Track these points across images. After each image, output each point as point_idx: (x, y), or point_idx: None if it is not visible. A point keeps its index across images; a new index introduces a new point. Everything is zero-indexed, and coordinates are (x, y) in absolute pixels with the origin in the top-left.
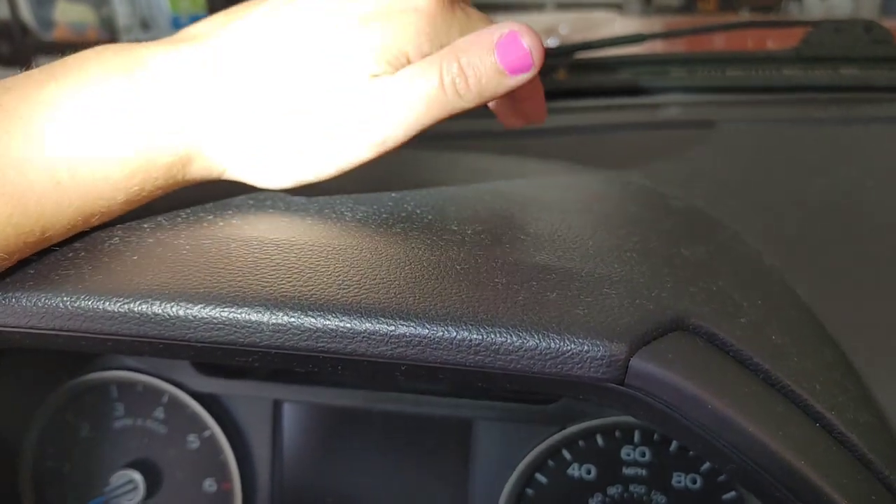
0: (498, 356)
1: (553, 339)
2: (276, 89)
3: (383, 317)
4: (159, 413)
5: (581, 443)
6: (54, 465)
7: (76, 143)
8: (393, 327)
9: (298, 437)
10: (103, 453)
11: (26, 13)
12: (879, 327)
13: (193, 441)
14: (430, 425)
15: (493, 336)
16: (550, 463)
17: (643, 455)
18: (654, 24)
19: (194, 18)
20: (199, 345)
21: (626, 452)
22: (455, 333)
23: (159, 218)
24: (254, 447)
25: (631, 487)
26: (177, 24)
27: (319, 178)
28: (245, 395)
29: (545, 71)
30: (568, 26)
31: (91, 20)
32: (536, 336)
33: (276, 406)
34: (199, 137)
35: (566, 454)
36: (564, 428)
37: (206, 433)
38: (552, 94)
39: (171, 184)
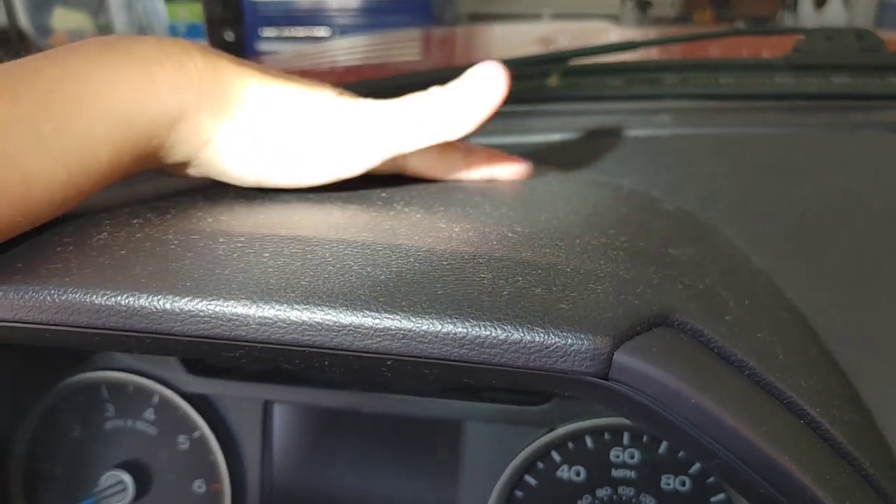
0: (482, 349)
1: (537, 333)
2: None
3: (368, 310)
4: (149, 414)
5: (570, 444)
6: (44, 465)
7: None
8: (378, 321)
9: (288, 438)
10: (93, 454)
11: (24, 20)
12: (867, 329)
13: (183, 442)
14: (419, 427)
15: (477, 329)
16: (540, 465)
17: (632, 457)
18: (650, 34)
19: (191, 27)
20: (186, 339)
21: (615, 454)
22: (440, 327)
23: (148, 214)
24: (243, 448)
25: (620, 489)
26: (174, 33)
27: (310, 183)
28: (235, 396)
29: (538, 76)
30: (565, 37)
31: (88, 27)
32: (521, 329)
33: (266, 407)
34: (192, 99)
35: (555, 456)
36: (554, 430)
37: (196, 434)
38: (544, 100)
39: (154, 144)
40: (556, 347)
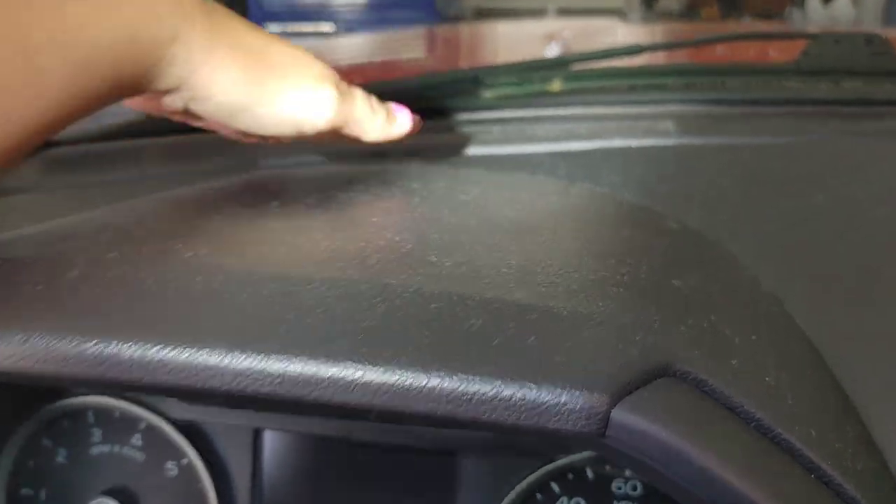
0: (470, 406)
1: (530, 390)
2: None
3: (350, 361)
4: (137, 440)
5: (570, 475)
6: (29, 491)
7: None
8: (360, 373)
9: (279, 465)
10: (79, 480)
11: None
12: (881, 357)
13: (172, 469)
14: (413, 456)
15: (465, 385)
16: (539, 496)
17: (634, 489)
18: (656, 30)
19: None
20: (157, 387)
21: (616, 486)
22: (425, 381)
23: (125, 247)
24: (233, 476)
25: None
26: None
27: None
28: (224, 423)
29: (539, 82)
30: (570, 33)
31: None
32: (512, 386)
33: (257, 434)
34: (188, 25)
35: (555, 487)
36: (553, 460)
37: (185, 461)
38: (546, 106)
39: (151, 62)
40: (550, 406)
